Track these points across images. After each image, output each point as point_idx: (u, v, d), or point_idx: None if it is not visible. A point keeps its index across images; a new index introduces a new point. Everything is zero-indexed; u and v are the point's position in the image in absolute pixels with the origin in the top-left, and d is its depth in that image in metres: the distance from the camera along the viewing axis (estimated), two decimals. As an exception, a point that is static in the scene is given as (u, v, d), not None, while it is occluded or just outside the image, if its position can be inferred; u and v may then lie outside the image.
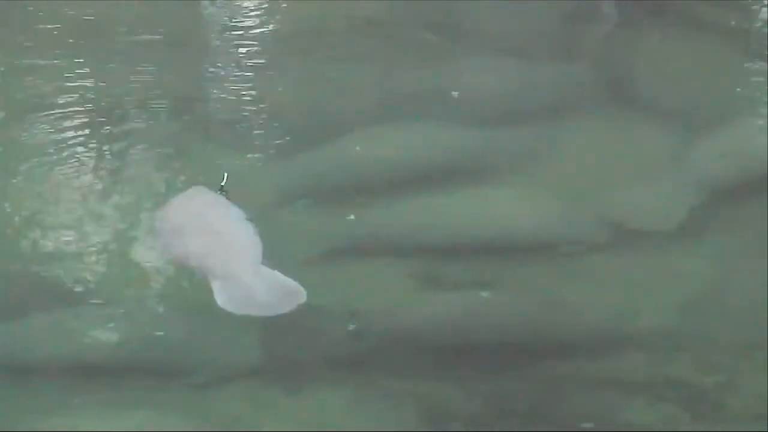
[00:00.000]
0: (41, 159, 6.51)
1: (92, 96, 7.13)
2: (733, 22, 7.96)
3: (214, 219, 5.63)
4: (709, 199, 6.16)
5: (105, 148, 6.63)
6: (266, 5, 8.34)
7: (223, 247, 5.42)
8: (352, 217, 6.05)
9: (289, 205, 6.18)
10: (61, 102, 7.03)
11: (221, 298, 5.16)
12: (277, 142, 6.77)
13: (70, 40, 7.75)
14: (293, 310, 5.16)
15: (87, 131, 6.76)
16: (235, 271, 5.26)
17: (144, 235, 5.87)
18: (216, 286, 5.20)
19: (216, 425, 5.02)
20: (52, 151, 6.57)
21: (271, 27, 8.06)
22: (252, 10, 8.21)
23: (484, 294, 5.63)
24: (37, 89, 7.16)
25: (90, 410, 5.06)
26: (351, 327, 5.41)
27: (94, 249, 5.85)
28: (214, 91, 7.34)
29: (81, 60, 7.49)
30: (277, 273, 5.27)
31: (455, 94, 7.12)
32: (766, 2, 8.13)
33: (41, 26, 7.94)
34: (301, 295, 5.18)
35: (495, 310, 5.56)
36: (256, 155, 6.61)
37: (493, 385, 5.16)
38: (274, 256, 5.67)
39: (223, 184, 5.87)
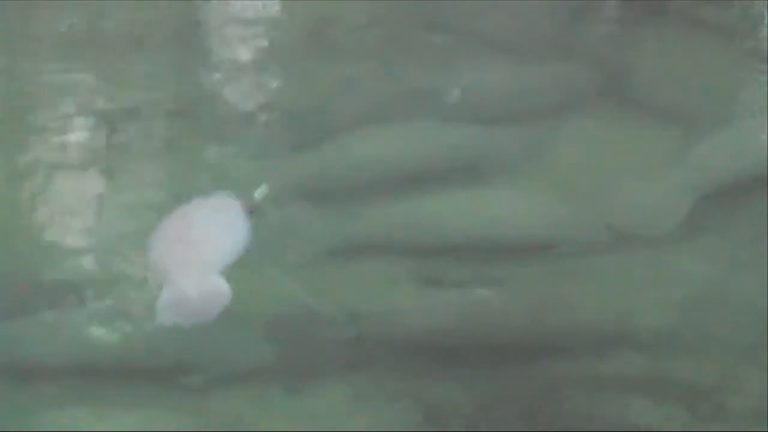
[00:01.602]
0: (41, 160, 6.52)
1: (92, 97, 7.13)
2: (733, 23, 7.96)
3: (200, 228, 5.56)
4: (708, 199, 6.16)
5: (105, 148, 6.63)
6: (266, 5, 8.34)
7: (178, 257, 5.34)
8: (347, 216, 6.06)
9: (288, 205, 6.18)
10: (60, 103, 7.03)
11: (159, 313, 5.11)
12: (277, 141, 6.77)
13: (70, 41, 7.74)
14: (220, 312, 5.07)
15: (87, 132, 6.76)
16: (172, 279, 5.19)
17: (144, 235, 5.86)
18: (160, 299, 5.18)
19: (216, 425, 5.01)
20: (52, 151, 6.58)
21: (270, 27, 8.06)
22: (252, 10, 8.21)
23: (484, 294, 5.63)
24: (37, 90, 7.16)
25: (90, 410, 5.06)
26: (348, 332, 5.40)
27: (94, 249, 5.86)
28: (214, 91, 7.34)
29: (81, 61, 7.49)
30: (210, 275, 5.18)
31: (454, 93, 7.12)
32: (766, 2, 8.12)
33: (40, 27, 7.94)
34: (225, 296, 5.05)
35: (495, 310, 5.56)
36: (255, 155, 6.60)
37: (493, 385, 5.16)
38: (273, 256, 5.69)
39: (256, 193, 5.86)
